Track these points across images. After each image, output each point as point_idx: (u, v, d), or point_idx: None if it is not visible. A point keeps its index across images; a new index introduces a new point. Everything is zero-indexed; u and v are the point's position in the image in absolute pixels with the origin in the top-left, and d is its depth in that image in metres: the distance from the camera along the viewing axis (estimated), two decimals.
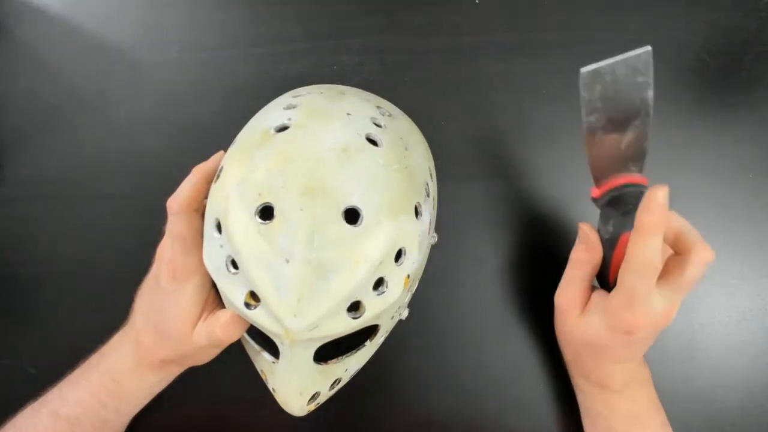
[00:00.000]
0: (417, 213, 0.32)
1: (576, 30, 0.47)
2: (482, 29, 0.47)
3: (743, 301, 0.43)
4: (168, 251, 0.33)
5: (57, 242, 0.45)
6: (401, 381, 0.42)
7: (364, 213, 0.28)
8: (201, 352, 0.35)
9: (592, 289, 0.37)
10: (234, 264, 0.30)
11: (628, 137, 0.33)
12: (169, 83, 0.48)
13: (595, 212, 0.36)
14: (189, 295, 0.33)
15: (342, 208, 0.28)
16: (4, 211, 0.46)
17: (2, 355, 0.43)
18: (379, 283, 0.30)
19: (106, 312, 0.40)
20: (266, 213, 0.28)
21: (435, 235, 0.37)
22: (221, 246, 0.30)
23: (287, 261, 0.27)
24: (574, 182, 0.44)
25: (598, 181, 0.34)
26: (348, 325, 0.29)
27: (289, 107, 0.32)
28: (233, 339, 0.33)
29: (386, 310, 0.31)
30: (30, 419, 0.35)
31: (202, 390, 0.42)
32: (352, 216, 0.28)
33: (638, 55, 0.31)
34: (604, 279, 0.36)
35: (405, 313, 0.36)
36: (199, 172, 0.33)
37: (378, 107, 0.35)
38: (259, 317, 0.29)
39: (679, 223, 0.33)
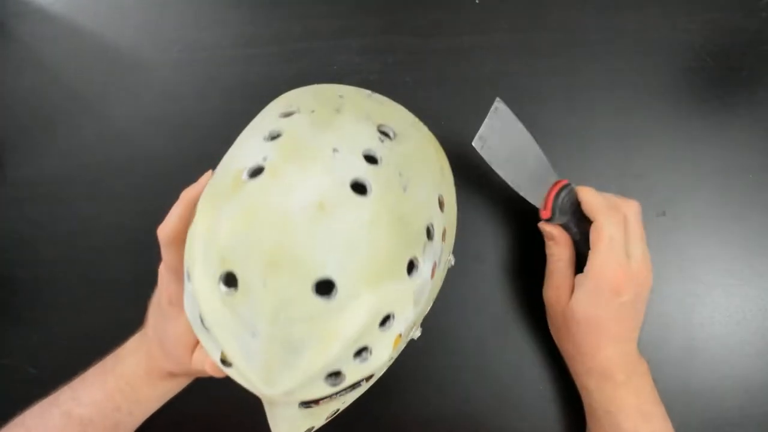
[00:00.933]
0: (412, 269, 0.27)
1: (576, 30, 0.47)
2: (482, 29, 0.47)
3: (743, 301, 0.43)
4: (164, 277, 0.33)
5: (57, 242, 0.45)
6: (401, 381, 0.42)
7: (339, 284, 0.24)
8: (203, 372, 0.34)
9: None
10: (203, 322, 0.27)
11: (533, 162, 0.39)
12: (169, 83, 0.48)
13: None
14: (185, 322, 0.32)
15: (312, 281, 0.24)
16: (4, 211, 0.46)
17: (2, 355, 0.43)
18: (361, 351, 0.26)
19: (106, 312, 0.40)
20: (231, 280, 0.25)
21: (452, 258, 0.36)
22: (192, 299, 0.27)
23: (252, 335, 0.25)
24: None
25: (540, 205, 0.39)
26: (328, 391, 0.27)
27: (272, 136, 0.28)
28: (223, 376, 0.31)
29: (374, 372, 0.28)
30: (40, 418, 0.35)
31: (203, 392, 0.41)
32: (324, 287, 0.24)
33: (495, 109, 0.37)
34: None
35: (417, 333, 0.33)
36: (185, 199, 0.32)
37: (380, 127, 0.30)
38: (234, 376, 0.27)
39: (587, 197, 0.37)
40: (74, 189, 0.46)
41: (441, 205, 0.31)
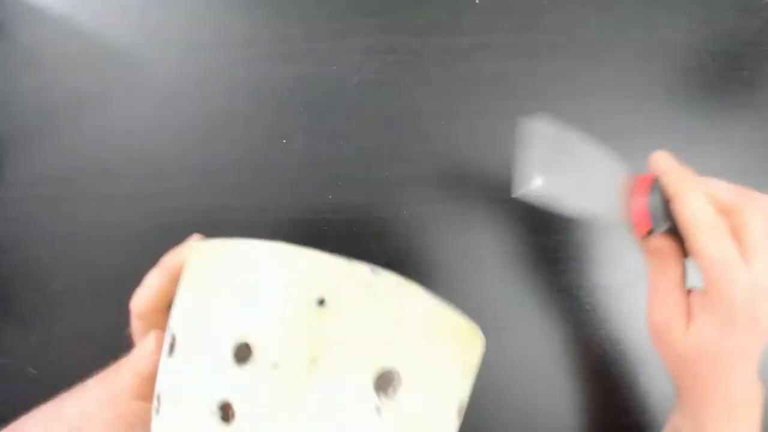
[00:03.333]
0: None
1: (576, 30, 0.47)
2: (482, 29, 0.47)
3: None
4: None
5: (57, 242, 0.45)
6: None
7: None
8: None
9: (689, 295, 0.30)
10: None
11: (598, 169, 0.30)
12: (169, 83, 0.48)
13: None
14: None
15: None
16: (4, 211, 0.46)
17: (2, 355, 0.43)
18: None
19: (106, 312, 0.40)
20: None
21: None
22: None
23: None
24: None
25: (625, 218, 0.30)
26: None
27: (220, 406, 0.20)
28: None
29: None
30: (45, 431, 0.34)
31: None
32: None
33: (535, 132, 0.28)
34: None
35: None
36: (165, 269, 0.28)
37: (380, 375, 0.20)
38: None
39: (711, 186, 0.29)
40: (74, 189, 0.46)
41: (459, 414, 0.25)
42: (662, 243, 0.30)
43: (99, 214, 0.45)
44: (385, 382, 0.20)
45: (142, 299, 0.29)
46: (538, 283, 0.43)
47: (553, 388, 0.42)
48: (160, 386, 0.23)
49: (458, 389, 0.24)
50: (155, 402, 0.23)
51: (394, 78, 0.47)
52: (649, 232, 0.29)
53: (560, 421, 0.41)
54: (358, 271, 0.21)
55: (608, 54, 0.46)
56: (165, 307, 0.30)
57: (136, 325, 0.31)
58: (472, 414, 0.42)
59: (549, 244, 0.44)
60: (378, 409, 0.19)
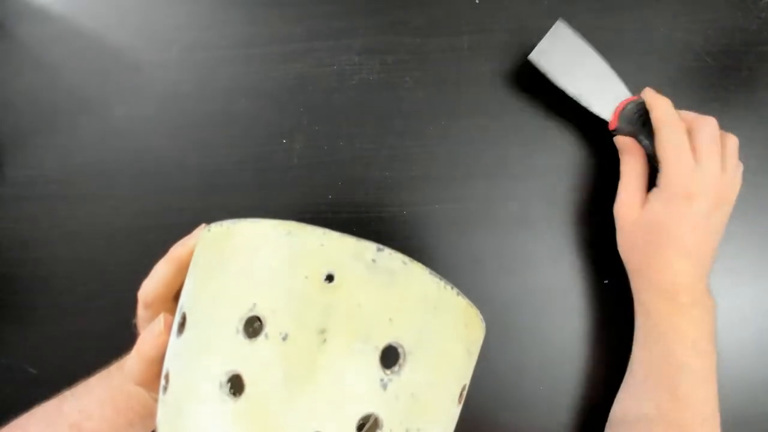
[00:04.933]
0: None
1: (576, 30, 0.47)
2: (482, 29, 0.47)
3: (743, 301, 0.43)
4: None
5: (57, 242, 0.45)
6: None
7: None
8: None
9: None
10: None
11: (599, 77, 0.41)
12: (169, 83, 0.48)
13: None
14: None
15: None
16: (4, 211, 0.46)
17: (2, 355, 0.43)
18: None
19: (106, 312, 0.40)
20: None
21: None
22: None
23: None
24: (575, 182, 0.44)
25: (608, 117, 0.41)
26: None
27: (229, 378, 0.20)
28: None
29: None
30: (46, 426, 0.34)
31: None
32: None
33: (556, 27, 0.41)
34: None
35: None
36: (173, 258, 0.28)
37: (386, 348, 0.20)
38: None
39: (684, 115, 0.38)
40: (74, 189, 0.46)
41: (461, 398, 0.25)
42: (631, 142, 0.39)
43: (99, 214, 0.45)
44: (390, 357, 0.20)
45: (149, 288, 0.29)
46: (538, 283, 0.43)
47: (554, 387, 0.42)
48: (168, 365, 0.23)
49: (461, 369, 0.24)
50: (163, 381, 0.23)
51: (394, 78, 0.47)
52: (615, 131, 0.40)
53: (561, 419, 0.41)
54: (365, 248, 0.21)
55: (608, 54, 0.46)
56: (172, 296, 0.30)
57: (142, 314, 0.30)
58: (473, 413, 0.42)
59: (549, 244, 0.44)
60: (383, 383, 0.20)
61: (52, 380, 0.37)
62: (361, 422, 0.20)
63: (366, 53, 0.47)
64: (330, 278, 0.20)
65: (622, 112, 0.40)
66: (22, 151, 0.47)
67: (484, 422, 0.42)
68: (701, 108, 0.46)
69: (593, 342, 0.42)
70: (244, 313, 0.20)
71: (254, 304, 0.20)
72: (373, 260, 0.21)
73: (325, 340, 0.19)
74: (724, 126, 0.46)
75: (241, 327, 0.20)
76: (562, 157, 0.45)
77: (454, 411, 0.23)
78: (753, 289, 0.43)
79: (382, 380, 0.20)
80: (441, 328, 0.23)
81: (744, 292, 0.43)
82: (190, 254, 0.27)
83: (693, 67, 0.46)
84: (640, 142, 0.40)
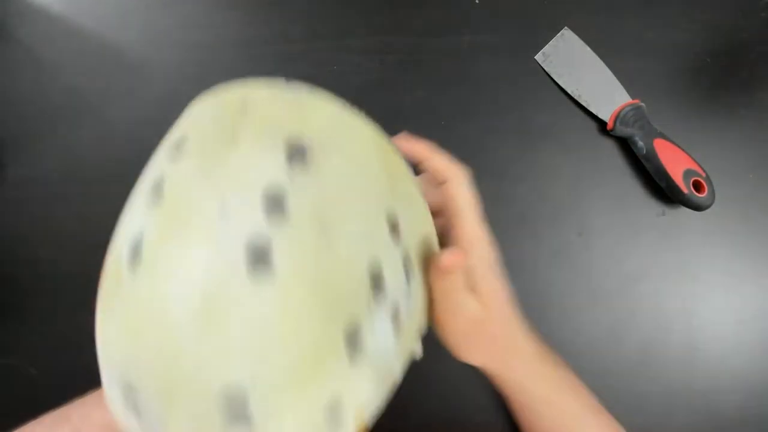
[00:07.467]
0: (355, 341, 0.21)
1: (576, 31, 0.47)
2: (482, 29, 0.47)
3: (743, 301, 0.43)
4: None
5: (57, 242, 0.45)
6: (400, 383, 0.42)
7: (253, 403, 0.19)
8: None
9: None
10: None
11: (600, 81, 0.44)
12: (169, 83, 0.48)
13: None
14: None
15: (217, 408, 0.19)
16: (4, 211, 0.46)
17: (2, 355, 0.43)
18: None
19: None
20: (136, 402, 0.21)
21: (419, 348, 0.27)
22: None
23: None
24: (575, 182, 0.44)
25: (606, 118, 0.44)
26: None
27: (155, 191, 0.22)
28: None
29: None
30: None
31: None
32: (236, 407, 0.19)
33: (562, 34, 0.46)
34: None
35: (419, 352, 0.27)
36: None
37: (291, 144, 0.22)
38: None
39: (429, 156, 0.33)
40: (74, 189, 0.46)
41: (395, 228, 0.24)
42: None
43: (99, 214, 0.45)
44: (297, 154, 0.22)
45: None
46: (539, 283, 0.43)
47: None
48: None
49: (378, 172, 0.24)
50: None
51: (394, 78, 0.47)
52: (611, 131, 0.44)
53: None
54: (278, 84, 0.25)
55: (608, 54, 0.46)
56: None
57: None
58: (473, 412, 0.42)
59: (550, 242, 0.44)
60: (291, 169, 0.21)
61: (52, 380, 0.37)
62: (268, 201, 0.20)
63: (366, 53, 0.47)
64: (244, 107, 0.24)
65: (619, 115, 0.43)
66: (23, 151, 0.47)
67: (483, 421, 0.42)
68: (701, 108, 0.46)
69: (594, 342, 0.42)
70: (175, 141, 0.25)
71: (185, 130, 0.26)
72: (282, 89, 0.25)
73: (235, 137, 0.22)
74: (724, 126, 0.46)
75: (169, 149, 0.25)
76: (562, 157, 0.45)
77: (379, 231, 0.23)
78: (753, 288, 0.43)
79: (289, 166, 0.21)
80: (349, 137, 0.24)
81: (744, 292, 0.43)
82: None
83: (693, 67, 0.46)
84: (635, 144, 0.43)
